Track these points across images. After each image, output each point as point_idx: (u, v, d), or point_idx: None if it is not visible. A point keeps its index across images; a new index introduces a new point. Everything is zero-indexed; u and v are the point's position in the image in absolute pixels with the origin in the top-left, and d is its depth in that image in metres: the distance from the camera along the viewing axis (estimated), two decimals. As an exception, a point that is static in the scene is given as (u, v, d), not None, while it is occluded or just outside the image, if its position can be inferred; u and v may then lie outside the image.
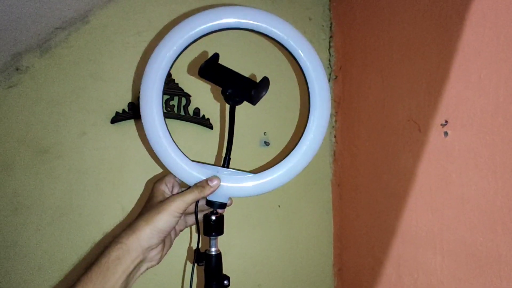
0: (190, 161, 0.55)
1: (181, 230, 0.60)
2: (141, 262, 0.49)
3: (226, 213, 0.59)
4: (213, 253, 0.57)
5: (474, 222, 0.67)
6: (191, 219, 0.60)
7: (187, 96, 0.91)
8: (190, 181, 0.55)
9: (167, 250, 0.55)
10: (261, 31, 0.55)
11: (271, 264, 1.02)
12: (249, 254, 0.99)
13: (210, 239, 0.57)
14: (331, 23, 1.17)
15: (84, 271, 0.46)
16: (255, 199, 0.98)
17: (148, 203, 0.55)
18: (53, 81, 0.83)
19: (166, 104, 0.89)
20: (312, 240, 1.08)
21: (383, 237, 0.89)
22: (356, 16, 1.06)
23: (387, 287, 0.88)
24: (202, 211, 0.59)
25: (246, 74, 0.57)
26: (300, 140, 0.56)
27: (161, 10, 0.93)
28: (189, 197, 0.52)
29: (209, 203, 0.56)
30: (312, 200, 1.09)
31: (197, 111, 0.92)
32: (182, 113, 0.90)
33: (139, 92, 0.55)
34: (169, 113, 0.88)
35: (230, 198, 0.57)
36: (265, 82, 0.57)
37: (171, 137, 0.55)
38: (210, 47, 0.91)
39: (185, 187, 0.56)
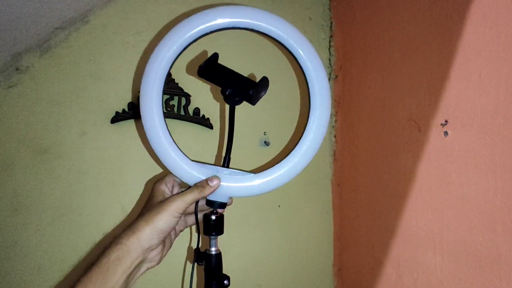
0: (190, 161, 0.55)
1: (181, 231, 0.60)
2: (141, 262, 0.49)
3: (226, 212, 0.59)
4: (213, 252, 0.57)
5: (474, 222, 0.67)
6: (191, 219, 0.60)
7: (187, 96, 0.91)
8: (190, 181, 0.55)
9: (167, 251, 0.55)
10: (261, 30, 0.55)
11: (271, 264, 1.02)
12: (249, 254, 0.99)
13: (210, 238, 0.57)
14: (331, 23, 1.16)
15: (84, 272, 0.46)
16: (255, 199, 0.98)
17: (148, 203, 0.55)
18: (53, 81, 0.83)
19: (166, 104, 0.89)
20: (312, 240, 1.08)
21: (383, 237, 0.89)
22: (356, 16, 1.06)
23: (387, 287, 0.88)
24: (202, 211, 0.59)
25: (245, 74, 0.57)
26: (300, 140, 0.56)
27: (161, 10, 0.93)
28: (189, 197, 0.52)
29: (209, 202, 0.56)
30: (312, 200, 1.09)
31: (197, 111, 0.92)
32: (182, 113, 0.90)
33: (139, 92, 0.54)
34: (169, 113, 0.88)
35: (230, 198, 0.57)
36: (264, 82, 0.57)
37: (171, 137, 0.55)
38: (209, 47, 0.91)
39: (185, 187, 0.56)
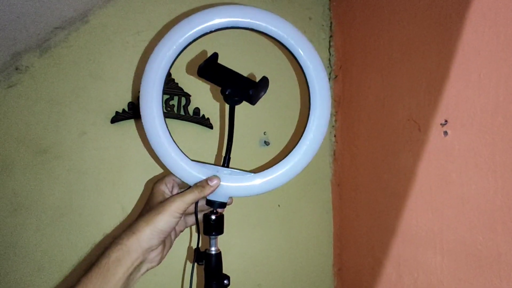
0: (190, 161, 0.55)
1: (181, 231, 0.60)
2: (141, 263, 0.49)
3: (226, 212, 0.59)
4: (213, 252, 0.57)
5: (474, 221, 0.67)
6: (191, 219, 0.60)
7: (187, 96, 0.91)
8: (190, 181, 0.55)
9: (167, 251, 0.55)
10: (262, 30, 0.55)
11: (271, 264, 1.02)
12: (249, 253, 0.99)
13: (210, 238, 0.57)
14: (331, 23, 1.16)
15: (84, 272, 0.46)
16: (255, 199, 0.98)
17: (148, 204, 0.55)
18: (52, 80, 0.83)
19: (166, 104, 0.89)
20: (312, 240, 1.08)
21: (383, 237, 0.89)
22: (356, 16, 1.06)
23: (387, 287, 0.88)
24: (202, 210, 0.59)
25: (245, 73, 0.57)
26: (300, 140, 0.56)
27: (160, 9, 0.93)
28: (189, 197, 0.52)
29: (209, 202, 0.56)
30: (312, 200, 1.09)
31: (197, 110, 0.92)
32: (182, 112, 0.90)
33: (139, 91, 0.54)
34: (169, 113, 0.88)
35: (230, 198, 0.57)
36: (264, 81, 0.57)
37: (171, 136, 0.55)
38: (209, 47, 0.91)
39: (185, 187, 0.56)
